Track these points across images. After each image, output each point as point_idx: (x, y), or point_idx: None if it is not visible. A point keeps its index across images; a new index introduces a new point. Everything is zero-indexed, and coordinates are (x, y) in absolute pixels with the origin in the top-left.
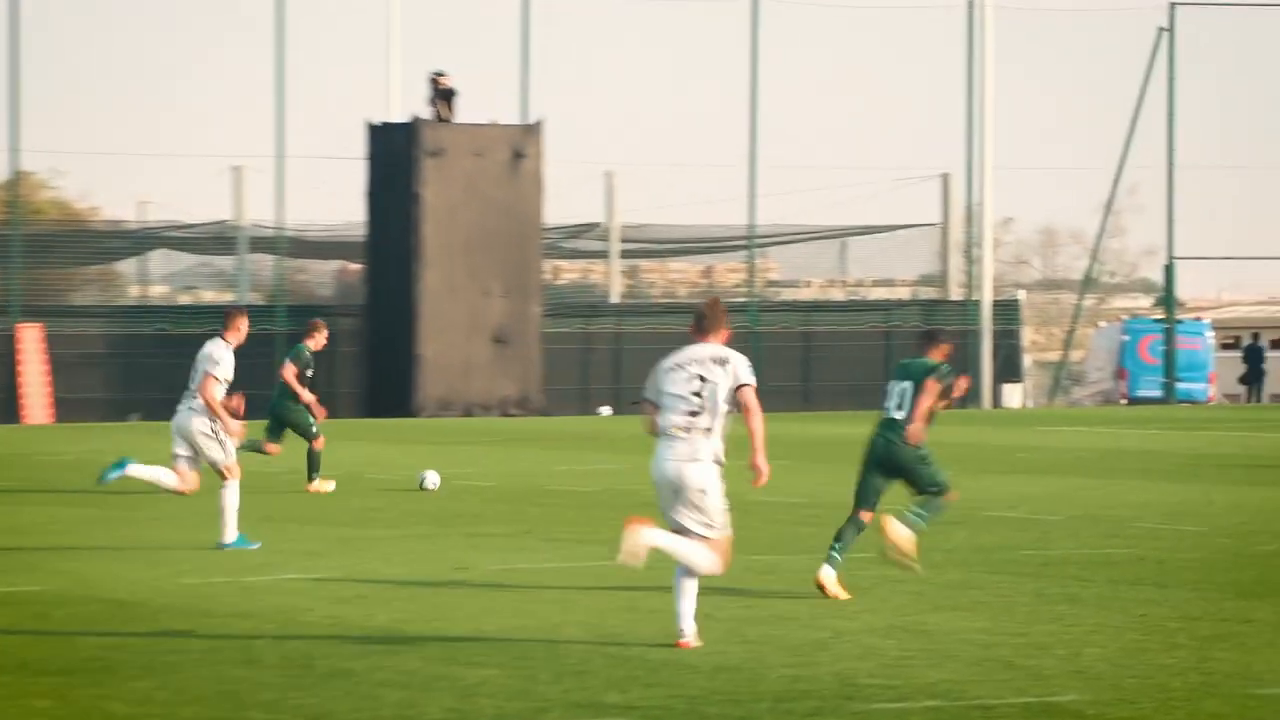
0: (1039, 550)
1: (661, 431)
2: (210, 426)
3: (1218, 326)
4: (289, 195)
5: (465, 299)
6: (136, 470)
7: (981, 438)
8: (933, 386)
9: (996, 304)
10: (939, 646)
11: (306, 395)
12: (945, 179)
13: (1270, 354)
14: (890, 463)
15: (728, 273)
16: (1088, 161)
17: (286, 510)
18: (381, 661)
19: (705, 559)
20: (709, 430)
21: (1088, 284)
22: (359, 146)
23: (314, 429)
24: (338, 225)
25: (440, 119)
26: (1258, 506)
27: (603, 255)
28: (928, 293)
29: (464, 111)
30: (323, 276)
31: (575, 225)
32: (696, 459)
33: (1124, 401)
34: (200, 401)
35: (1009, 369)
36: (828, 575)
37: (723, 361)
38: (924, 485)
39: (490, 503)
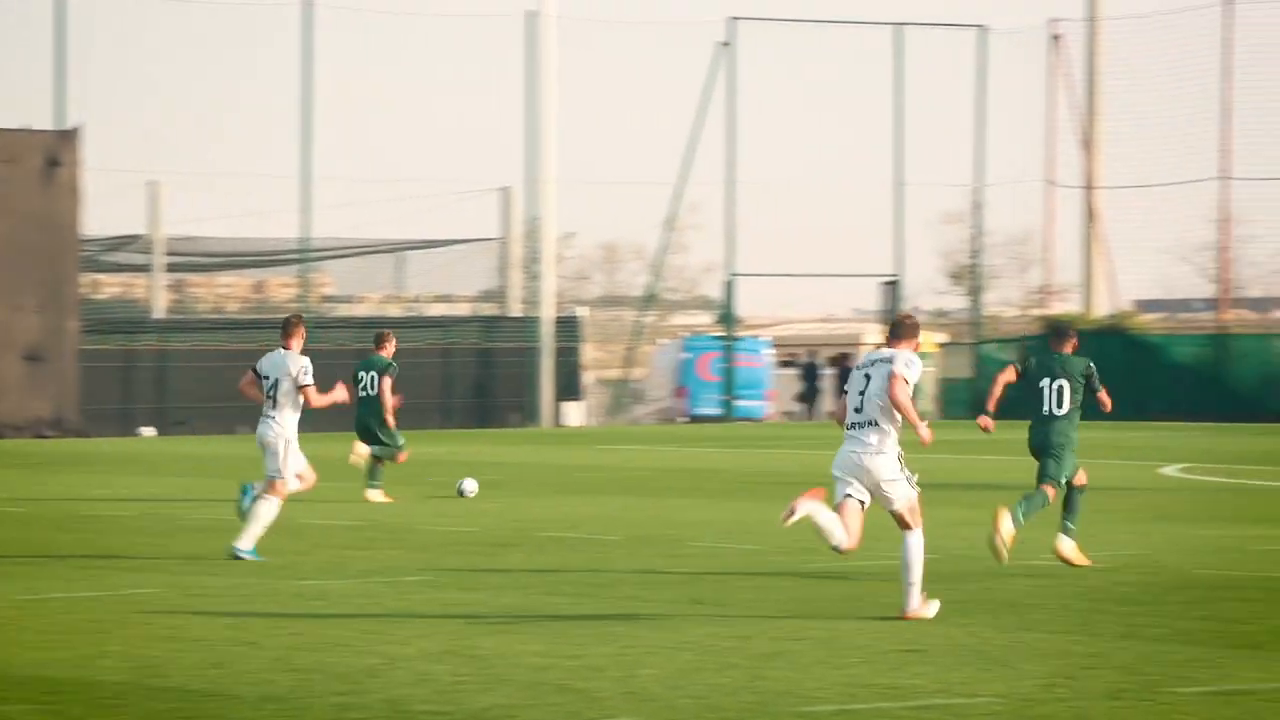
0: (596, 571)
1: (845, 427)
2: (286, 437)
3: (776, 344)
4: None
5: None
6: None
7: (540, 457)
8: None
9: (557, 320)
10: (492, 671)
11: (389, 402)
12: (506, 192)
13: (826, 371)
14: (1044, 448)
15: (280, 287)
16: (651, 177)
17: None
18: None
19: (845, 539)
20: (874, 424)
21: (649, 300)
22: None
23: (400, 441)
24: None
25: None
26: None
27: (146, 269)
28: (488, 309)
29: None
30: None
31: (116, 237)
32: (869, 450)
33: (684, 419)
34: (283, 414)
35: (569, 387)
36: (1007, 529)
37: (887, 361)
38: (1046, 471)
39: (20, 529)
